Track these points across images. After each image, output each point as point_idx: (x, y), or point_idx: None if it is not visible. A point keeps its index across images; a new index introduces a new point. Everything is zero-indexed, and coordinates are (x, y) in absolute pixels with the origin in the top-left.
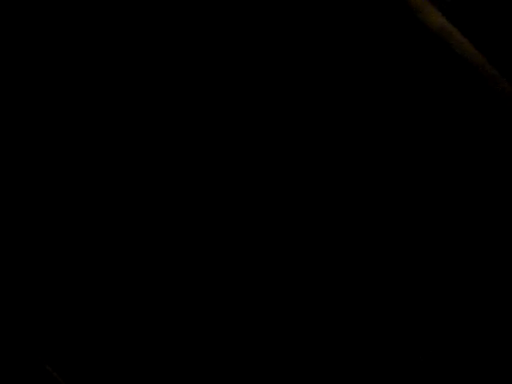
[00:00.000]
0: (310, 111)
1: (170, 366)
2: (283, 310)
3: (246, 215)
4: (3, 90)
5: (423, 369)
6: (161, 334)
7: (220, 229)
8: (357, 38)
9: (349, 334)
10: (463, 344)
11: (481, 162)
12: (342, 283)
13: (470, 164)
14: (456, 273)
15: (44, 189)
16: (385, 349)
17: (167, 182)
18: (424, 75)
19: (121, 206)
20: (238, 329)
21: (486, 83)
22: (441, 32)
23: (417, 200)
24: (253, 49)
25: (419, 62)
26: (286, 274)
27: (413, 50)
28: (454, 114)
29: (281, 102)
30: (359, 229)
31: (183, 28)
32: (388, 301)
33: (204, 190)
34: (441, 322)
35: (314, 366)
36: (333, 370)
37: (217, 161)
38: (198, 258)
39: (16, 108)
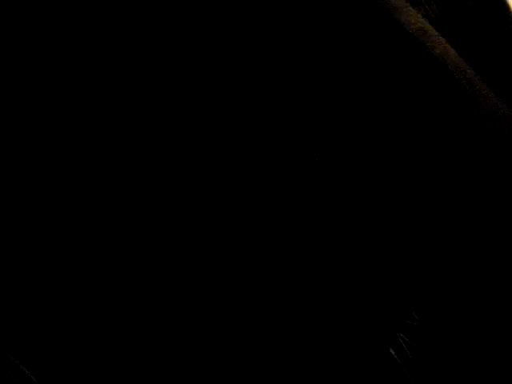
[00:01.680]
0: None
1: (170, 366)
2: (283, 309)
3: (246, 215)
4: (3, 90)
5: (425, 373)
6: (161, 333)
7: (220, 228)
8: (331, 40)
9: (349, 337)
10: (463, 347)
11: (458, 165)
12: (342, 285)
13: (443, 165)
14: (458, 277)
15: (44, 189)
16: (384, 352)
17: (167, 182)
18: (401, 77)
19: (121, 206)
20: (237, 329)
21: (465, 87)
22: (419, 33)
23: (405, 203)
24: (252, 49)
25: (396, 63)
26: (285, 273)
27: (389, 52)
28: (432, 116)
29: (279, 102)
30: (359, 228)
31: (183, 28)
32: (389, 302)
33: (204, 189)
34: (442, 325)
35: (313, 368)
36: (332, 374)
37: (217, 160)
38: (198, 258)
39: (16, 108)
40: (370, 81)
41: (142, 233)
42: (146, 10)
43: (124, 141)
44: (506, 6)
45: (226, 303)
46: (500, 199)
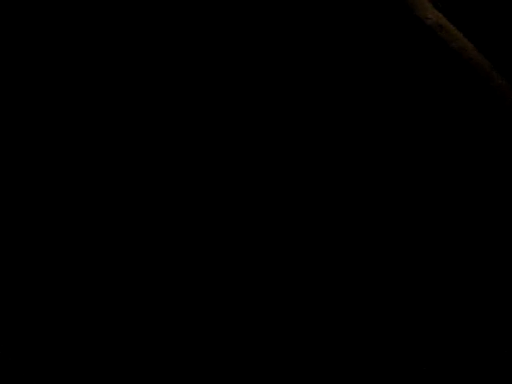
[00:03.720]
0: (310, 108)
1: (170, 366)
2: (283, 309)
3: (246, 215)
4: (3, 91)
5: (427, 377)
6: (161, 333)
7: (219, 228)
8: (354, 35)
9: (350, 341)
10: (465, 353)
11: (476, 156)
12: (342, 287)
13: (464, 159)
14: (458, 280)
15: (44, 188)
16: (387, 356)
17: (167, 182)
18: (420, 71)
19: (120, 206)
20: (237, 329)
21: (482, 80)
22: (437, 28)
23: (415, 199)
24: (252, 49)
25: (416, 57)
26: (285, 273)
27: (409, 46)
28: (451, 109)
29: (279, 101)
30: (359, 228)
31: (183, 28)
32: (390, 307)
33: (204, 189)
34: (443, 330)
35: (314, 371)
36: (333, 378)
37: (216, 160)
38: (198, 258)
39: (16, 108)
40: (390, 73)
41: (142, 233)
42: (147, 10)
43: (124, 140)
44: None
45: (226, 303)
46: None
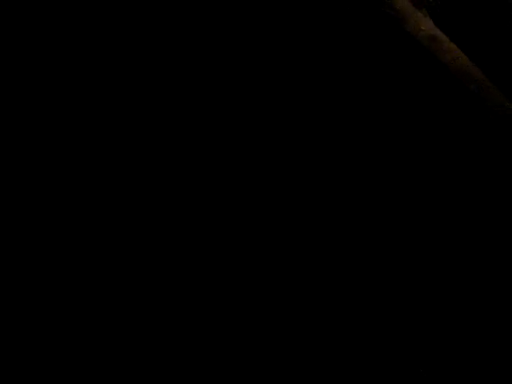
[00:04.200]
0: (299, 115)
1: (170, 366)
2: (283, 309)
3: (246, 215)
4: (3, 91)
5: (423, 379)
6: (161, 333)
7: (219, 228)
8: (343, 49)
9: (349, 341)
10: (463, 354)
11: (468, 166)
12: (341, 287)
13: (456, 169)
14: (458, 280)
15: (44, 188)
16: (384, 357)
17: (167, 182)
18: (410, 84)
19: (120, 206)
20: (237, 328)
21: (473, 91)
22: (430, 39)
23: (410, 201)
24: (252, 49)
25: (406, 71)
26: (285, 273)
27: (400, 60)
28: (440, 121)
29: (277, 102)
30: (358, 228)
31: (183, 28)
32: (389, 307)
33: (203, 189)
34: (441, 330)
35: (312, 369)
36: (330, 374)
37: (216, 160)
38: (198, 258)
39: (16, 108)
40: (378, 90)
41: (143, 233)
42: (147, 10)
43: (124, 140)
44: None
45: (226, 303)
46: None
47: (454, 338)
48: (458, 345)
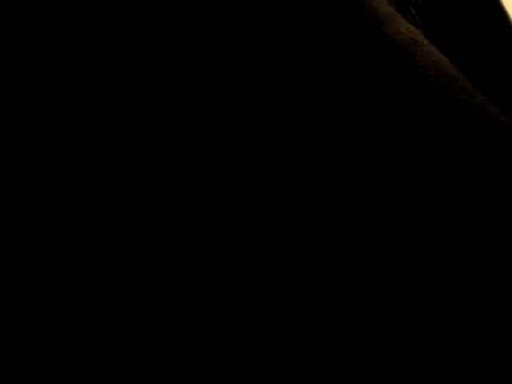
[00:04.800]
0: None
1: (170, 366)
2: (283, 309)
3: (245, 215)
4: (3, 90)
5: (418, 367)
6: (160, 333)
7: (219, 228)
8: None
9: (346, 334)
10: (460, 344)
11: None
12: (340, 284)
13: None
14: (454, 273)
15: (44, 189)
16: (381, 348)
17: (166, 182)
18: (388, 88)
19: (120, 206)
20: (237, 328)
21: (455, 96)
22: (410, 43)
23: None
24: (252, 50)
25: (384, 75)
26: (285, 273)
27: (377, 64)
28: (424, 128)
29: (277, 103)
30: (359, 228)
31: (183, 28)
32: (386, 301)
33: (203, 189)
34: (438, 323)
35: (311, 365)
36: (328, 368)
37: (216, 161)
38: (198, 258)
39: (16, 108)
40: (357, 95)
41: (143, 233)
42: (147, 10)
43: (124, 141)
44: (500, 8)
45: (226, 303)
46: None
47: (453, 336)
48: (457, 344)
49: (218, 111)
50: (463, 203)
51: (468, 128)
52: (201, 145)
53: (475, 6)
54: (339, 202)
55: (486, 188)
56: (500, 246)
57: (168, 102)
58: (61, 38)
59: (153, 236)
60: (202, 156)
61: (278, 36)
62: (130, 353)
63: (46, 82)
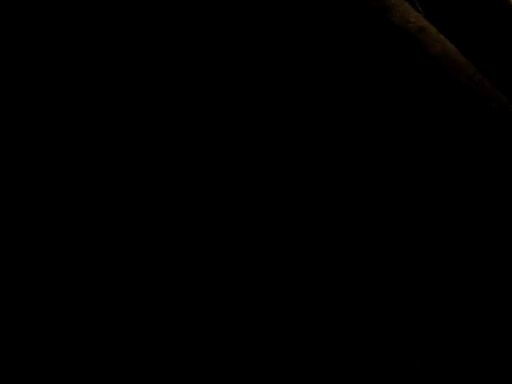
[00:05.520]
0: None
1: (170, 366)
2: (283, 309)
3: (245, 215)
4: (3, 90)
5: (420, 373)
6: (161, 333)
7: (219, 228)
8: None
9: (347, 337)
10: (461, 348)
11: (461, 161)
12: (340, 285)
13: (448, 164)
14: (455, 276)
15: (44, 188)
16: (382, 352)
17: (167, 182)
18: (399, 76)
19: (121, 206)
20: (237, 329)
21: (463, 83)
22: (419, 31)
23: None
24: (252, 50)
25: (395, 62)
26: (285, 273)
27: (388, 51)
28: (435, 115)
29: (276, 103)
30: (358, 228)
31: (183, 28)
32: (386, 304)
33: (203, 189)
34: (439, 325)
35: (311, 367)
36: (329, 372)
37: (216, 161)
38: (198, 258)
39: (16, 108)
40: (367, 84)
41: (143, 233)
42: (147, 10)
43: (124, 141)
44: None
45: (226, 303)
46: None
47: (452, 336)
48: (456, 344)
49: (218, 110)
50: (468, 191)
51: (478, 115)
52: (200, 143)
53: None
54: (345, 199)
55: (491, 174)
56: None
57: (168, 103)
58: (62, 38)
59: (153, 236)
60: (202, 154)
61: (289, 28)
62: (130, 351)
63: (47, 82)
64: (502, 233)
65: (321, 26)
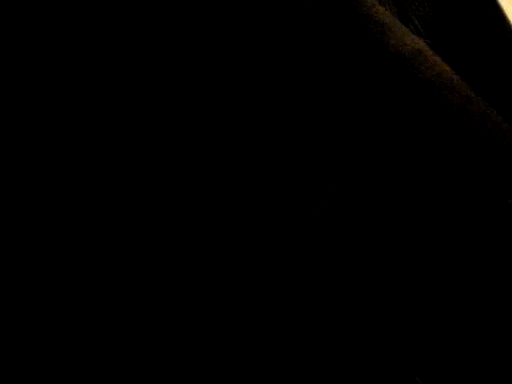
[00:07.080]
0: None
1: (170, 366)
2: (283, 310)
3: (245, 215)
4: (3, 90)
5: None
6: (160, 333)
7: (219, 228)
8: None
9: (349, 340)
10: (461, 359)
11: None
12: (341, 287)
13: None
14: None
15: (43, 189)
16: (382, 362)
17: (167, 182)
18: (392, 100)
19: (120, 206)
20: (237, 329)
21: (461, 104)
22: (415, 54)
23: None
24: (252, 50)
25: (387, 86)
26: (285, 274)
27: (381, 75)
28: (427, 141)
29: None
30: (359, 228)
31: (183, 28)
32: (387, 308)
33: (203, 190)
34: (439, 334)
35: (311, 373)
36: (329, 380)
37: (216, 161)
38: (198, 258)
39: (16, 108)
40: (362, 111)
41: (142, 233)
42: (146, 10)
43: (124, 141)
44: (502, 16)
45: (226, 303)
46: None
47: (452, 338)
48: (456, 345)
49: (216, 112)
50: (465, 211)
51: (471, 136)
52: (199, 145)
53: (478, 16)
54: (340, 203)
55: (489, 195)
56: (503, 257)
57: (167, 103)
58: (61, 38)
59: (152, 236)
60: (201, 156)
61: (279, 49)
62: (130, 353)
63: (47, 82)
64: (503, 232)
65: (315, 47)
